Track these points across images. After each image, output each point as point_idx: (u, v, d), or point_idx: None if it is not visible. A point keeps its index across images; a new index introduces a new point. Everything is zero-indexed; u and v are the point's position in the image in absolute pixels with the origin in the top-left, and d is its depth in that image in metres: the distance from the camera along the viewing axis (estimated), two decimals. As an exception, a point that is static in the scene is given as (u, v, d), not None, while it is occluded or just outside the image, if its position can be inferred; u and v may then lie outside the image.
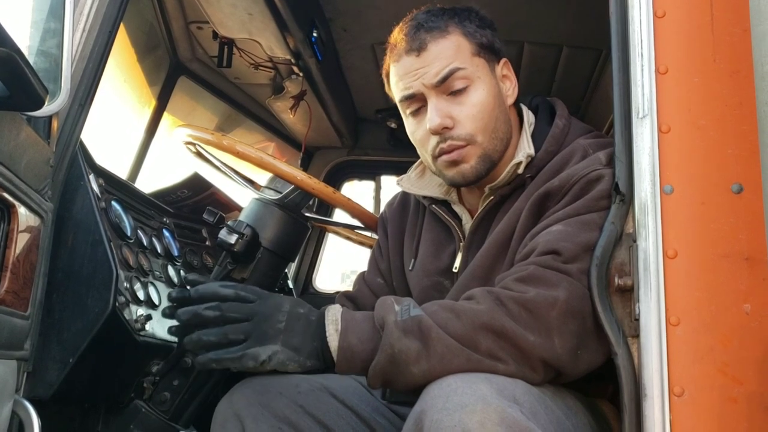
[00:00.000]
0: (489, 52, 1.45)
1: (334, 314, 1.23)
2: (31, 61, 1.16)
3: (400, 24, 1.47)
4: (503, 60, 1.49)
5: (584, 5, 2.47)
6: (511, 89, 1.49)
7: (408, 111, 1.46)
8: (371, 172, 3.63)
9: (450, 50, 1.40)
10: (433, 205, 1.57)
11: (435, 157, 1.44)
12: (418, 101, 1.43)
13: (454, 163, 1.42)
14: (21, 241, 1.26)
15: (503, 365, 1.14)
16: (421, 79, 1.40)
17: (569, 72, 2.90)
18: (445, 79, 1.39)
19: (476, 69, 1.42)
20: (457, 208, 1.55)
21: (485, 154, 1.42)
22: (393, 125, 3.32)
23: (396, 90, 1.46)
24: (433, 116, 1.39)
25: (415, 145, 1.50)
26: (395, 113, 3.21)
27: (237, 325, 1.20)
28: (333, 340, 1.19)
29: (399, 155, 3.35)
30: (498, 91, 1.45)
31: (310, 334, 1.21)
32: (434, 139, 1.41)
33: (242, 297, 1.23)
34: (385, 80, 1.52)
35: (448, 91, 1.40)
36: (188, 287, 1.39)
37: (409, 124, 1.49)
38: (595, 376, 1.27)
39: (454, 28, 1.42)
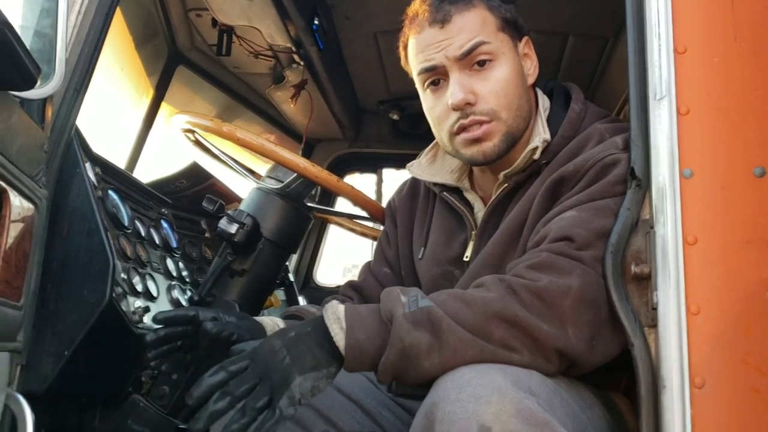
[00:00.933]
0: (512, 28, 1.42)
1: (334, 312, 1.15)
2: (24, 40, 1.11)
3: None
4: (525, 38, 1.45)
5: (591, -8, 2.43)
6: (532, 68, 1.45)
7: (426, 84, 1.42)
8: (373, 164, 3.58)
9: (476, 23, 1.36)
10: (444, 193, 1.52)
11: (454, 134, 1.39)
12: (438, 74, 1.39)
13: (476, 141, 1.37)
14: (13, 228, 1.21)
15: (518, 355, 1.10)
16: (444, 52, 1.36)
17: (575, 61, 2.86)
18: (469, 53, 1.35)
19: (501, 44, 1.38)
20: (470, 196, 1.50)
21: (509, 132, 1.38)
22: (395, 117, 3.28)
23: (415, 62, 1.42)
24: (456, 91, 1.35)
25: (431, 122, 1.45)
26: (398, 105, 3.23)
27: (254, 395, 1.09)
28: (340, 339, 1.12)
29: (401, 148, 3.30)
30: (521, 69, 1.42)
31: (315, 344, 1.13)
32: (454, 115, 1.37)
33: (236, 371, 1.12)
34: (401, 53, 1.48)
35: (471, 66, 1.36)
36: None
37: (427, 100, 1.44)
38: (609, 368, 1.22)
39: (479, 2, 1.38)
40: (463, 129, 1.37)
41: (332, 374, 1.13)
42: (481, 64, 1.36)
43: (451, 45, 1.35)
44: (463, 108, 1.35)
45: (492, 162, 1.41)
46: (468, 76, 1.36)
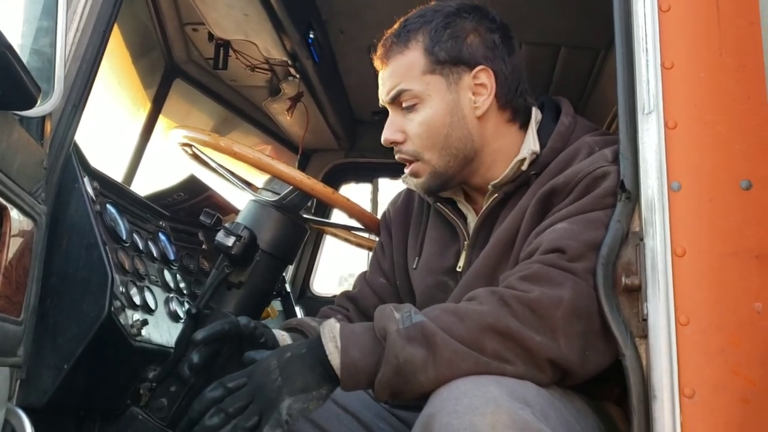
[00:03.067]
0: (451, 65, 1.42)
1: (331, 330, 1.18)
2: (23, 59, 1.13)
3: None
4: (479, 68, 1.43)
5: (582, 4, 2.46)
6: (482, 100, 1.43)
7: None
8: (368, 174, 3.61)
9: (401, 69, 1.44)
10: (438, 203, 1.55)
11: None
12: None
13: (412, 175, 1.48)
14: (13, 244, 1.23)
15: (511, 367, 1.12)
16: (381, 95, 1.48)
17: (567, 72, 2.89)
18: (394, 99, 1.45)
19: (426, 87, 1.42)
20: (462, 207, 1.53)
21: (435, 171, 1.45)
22: (390, 127, 3.30)
23: None
24: (384, 131, 1.47)
25: None
26: (392, 115, 3.25)
27: (245, 413, 1.14)
28: (334, 357, 1.15)
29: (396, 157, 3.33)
30: (455, 107, 1.42)
31: (308, 367, 1.16)
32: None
33: (233, 387, 1.17)
34: None
35: (402, 107, 1.45)
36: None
37: None
38: (602, 378, 1.24)
39: (416, 43, 1.43)
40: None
41: (323, 396, 1.16)
42: (409, 106, 1.43)
43: (383, 90, 1.48)
44: (391, 146, 1.47)
45: (431, 194, 1.52)
46: (401, 116, 1.46)
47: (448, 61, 1.42)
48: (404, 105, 1.43)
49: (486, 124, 1.45)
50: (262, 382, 1.15)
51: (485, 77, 1.43)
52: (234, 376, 1.18)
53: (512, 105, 1.47)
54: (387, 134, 1.46)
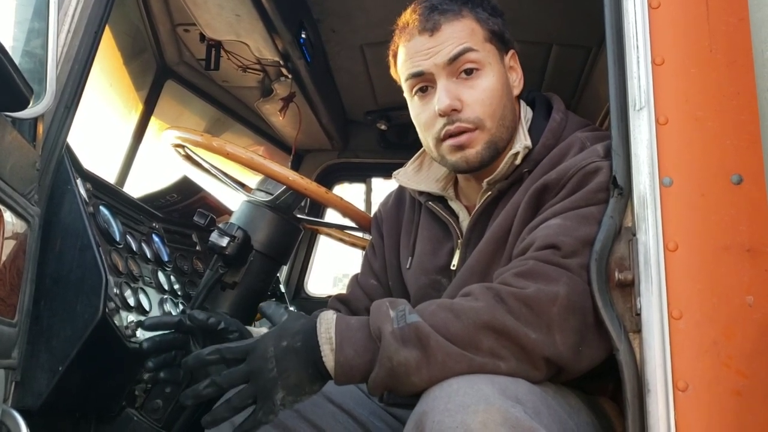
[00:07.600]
0: (499, 41, 1.45)
1: (327, 329, 1.18)
2: (15, 60, 1.12)
3: (412, 6, 1.46)
4: (512, 51, 1.48)
5: (574, 3, 2.47)
6: (517, 80, 1.48)
7: (414, 90, 1.44)
8: (361, 174, 3.62)
9: (464, 32, 1.40)
10: (430, 202, 1.54)
11: (440, 140, 1.42)
12: (425, 80, 1.42)
13: (460, 148, 1.40)
14: (7, 246, 1.23)
15: (505, 363, 1.12)
16: (433, 59, 1.39)
17: (559, 70, 2.90)
18: (456, 57, 1.38)
19: (488, 54, 1.42)
20: (454, 205, 1.53)
21: (492, 140, 1.41)
22: (383, 127, 3.32)
23: (403, 69, 1.45)
24: (442, 97, 1.38)
25: (418, 128, 1.48)
26: (385, 115, 3.27)
27: (241, 393, 1.18)
28: (329, 360, 1.16)
29: (389, 157, 3.34)
30: (506, 80, 1.45)
31: (302, 364, 1.17)
32: (441, 122, 1.40)
33: (231, 359, 1.19)
34: (391, 61, 1.51)
35: (458, 74, 1.39)
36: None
37: (414, 106, 1.47)
38: (596, 373, 1.24)
39: (467, 12, 1.42)
40: (449, 135, 1.40)
41: (315, 391, 1.19)
42: (468, 72, 1.39)
43: (440, 52, 1.38)
44: (450, 114, 1.38)
45: (475, 169, 1.43)
46: (455, 84, 1.39)
47: (498, 34, 1.44)
48: (464, 68, 1.38)
49: (515, 105, 1.48)
50: (258, 368, 1.16)
51: (514, 62, 1.48)
52: (231, 348, 1.20)
53: (521, 96, 1.51)
54: (447, 100, 1.36)
